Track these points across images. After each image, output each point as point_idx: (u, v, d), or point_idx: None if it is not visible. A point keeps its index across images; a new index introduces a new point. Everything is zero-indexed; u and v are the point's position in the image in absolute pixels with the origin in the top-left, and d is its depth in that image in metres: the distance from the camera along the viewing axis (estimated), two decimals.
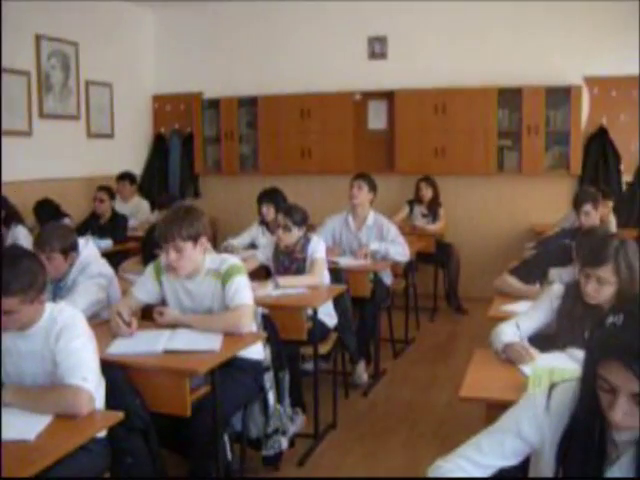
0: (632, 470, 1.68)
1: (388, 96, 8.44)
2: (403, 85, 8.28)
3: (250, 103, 8.88)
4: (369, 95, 8.56)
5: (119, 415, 2.63)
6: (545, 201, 7.85)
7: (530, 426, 1.79)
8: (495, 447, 1.82)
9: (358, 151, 8.56)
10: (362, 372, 5.49)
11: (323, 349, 4.62)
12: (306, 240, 4.81)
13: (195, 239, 3.46)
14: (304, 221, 4.84)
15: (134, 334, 3.38)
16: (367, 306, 5.44)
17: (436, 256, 7.52)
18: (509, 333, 2.99)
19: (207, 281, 3.58)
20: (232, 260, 3.64)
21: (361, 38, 8.54)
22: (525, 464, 1.89)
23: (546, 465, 1.77)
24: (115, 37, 8.46)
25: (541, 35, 7.91)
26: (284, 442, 3.83)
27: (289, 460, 4.11)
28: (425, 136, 8.20)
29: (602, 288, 2.88)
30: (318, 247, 4.76)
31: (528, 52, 7.96)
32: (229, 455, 3.71)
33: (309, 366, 4.69)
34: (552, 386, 1.84)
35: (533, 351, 2.88)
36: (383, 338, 6.01)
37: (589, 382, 1.64)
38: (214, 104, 9.01)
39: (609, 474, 1.70)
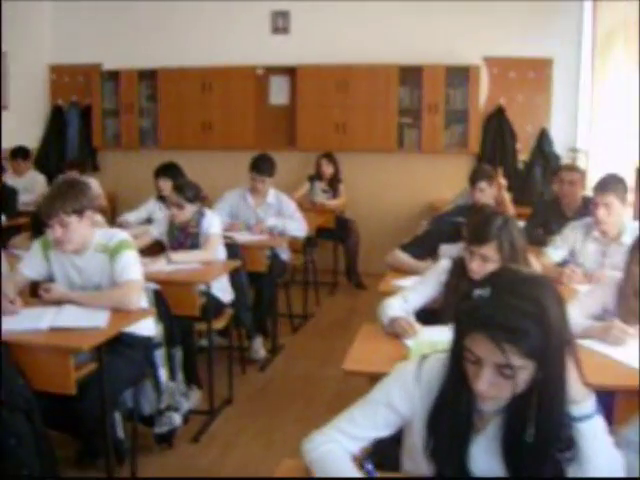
0: (497, 439, 1.73)
1: (290, 71, 8.38)
2: (305, 61, 8.23)
3: (150, 76, 8.67)
4: (271, 70, 8.49)
5: None
6: (444, 178, 7.97)
7: (401, 397, 1.81)
8: (368, 419, 1.83)
9: (260, 126, 8.49)
10: (259, 347, 5.48)
11: (218, 325, 4.59)
12: (200, 215, 4.75)
13: (80, 213, 3.36)
14: (197, 197, 4.78)
15: (18, 312, 3.27)
16: (264, 282, 5.42)
17: (336, 232, 7.56)
18: (395, 307, 3.03)
19: (96, 257, 3.49)
20: (121, 235, 3.56)
21: (264, 12, 8.44)
22: (399, 435, 1.91)
23: (417, 435, 1.80)
24: (8, 1, 8.11)
25: (443, 14, 7.99)
26: (177, 419, 3.79)
27: (183, 437, 4.07)
28: (326, 112, 8.20)
29: (485, 265, 2.93)
30: (213, 222, 4.71)
31: (430, 31, 8.04)
32: (120, 433, 3.66)
33: (205, 342, 4.66)
34: (423, 358, 1.86)
35: (416, 325, 2.92)
36: (282, 313, 6.03)
37: (456, 353, 1.67)
38: (113, 76, 8.75)
39: (475, 443, 1.74)
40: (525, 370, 1.57)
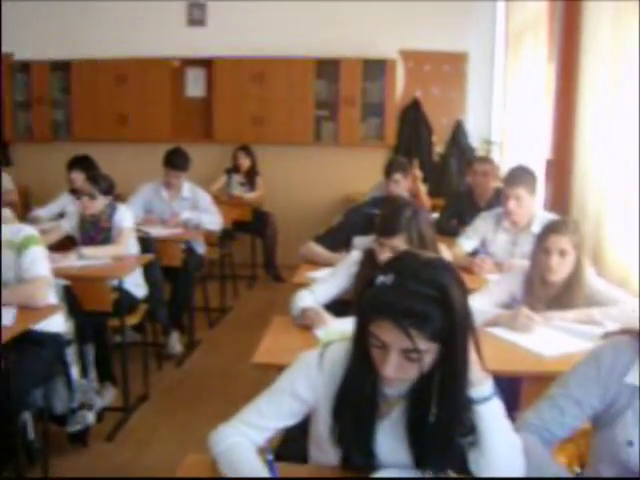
0: (402, 423, 1.75)
1: (207, 64, 8.30)
2: (222, 53, 8.16)
3: (63, 67, 8.44)
4: (188, 62, 8.38)
5: None
6: (361, 171, 8.00)
7: (304, 385, 1.81)
8: (273, 409, 1.84)
9: (176, 119, 8.39)
10: (175, 342, 5.42)
11: (132, 320, 4.53)
12: (112, 209, 4.66)
13: None
14: (110, 190, 4.68)
15: None
16: (179, 276, 5.37)
17: (254, 225, 7.54)
18: (305, 299, 3.04)
19: (3, 253, 3.39)
20: (27, 230, 3.46)
21: (180, 4, 8.32)
22: (305, 424, 1.92)
23: (323, 422, 1.81)
24: None
25: (359, 8, 8.03)
26: (90, 417, 3.71)
27: (97, 435, 3.99)
28: (243, 105, 8.17)
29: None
30: (125, 216, 4.63)
31: (347, 24, 8.06)
32: (30, 433, 3.57)
33: (120, 338, 4.58)
34: (325, 346, 1.87)
35: (325, 315, 2.93)
36: (199, 308, 5.98)
37: (361, 339, 1.68)
38: (25, 67, 8.50)
39: (380, 428, 1.77)
40: (430, 352, 1.59)
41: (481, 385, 1.68)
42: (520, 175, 4.32)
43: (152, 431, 4.19)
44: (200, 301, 6.07)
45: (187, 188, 5.81)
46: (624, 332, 1.97)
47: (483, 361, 1.72)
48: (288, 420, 1.85)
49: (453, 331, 1.58)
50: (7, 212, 4.88)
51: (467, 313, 1.64)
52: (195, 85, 8.50)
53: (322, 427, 1.81)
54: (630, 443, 1.84)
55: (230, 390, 4.77)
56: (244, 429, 1.83)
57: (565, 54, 5.14)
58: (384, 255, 2.97)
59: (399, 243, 2.95)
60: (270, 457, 1.70)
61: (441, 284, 1.58)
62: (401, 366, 1.60)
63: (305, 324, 2.92)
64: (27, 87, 8.59)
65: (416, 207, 3.15)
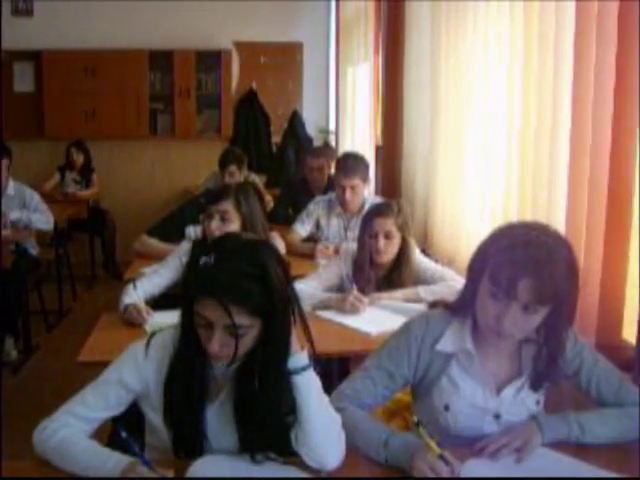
0: (229, 404, 1.80)
1: (35, 56, 7.96)
2: (51, 45, 7.85)
3: None
4: (14, 55, 7.98)
5: None
6: (198, 164, 7.92)
7: (131, 374, 1.83)
8: (99, 399, 1.84)
9: (4, 115, 7.99)
10: (10, 349, 5.18)
11: None
12: None
13: None
14: None
15: None
16: (10, 278, 5.13)
17: (90, 223, 7.36)
18: (131, 294, 3.03)
19: None
20: None
21: None
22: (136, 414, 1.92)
23: (153, 408, 1.84)
24: None
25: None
26: None
27: None
28: (75, 99, 7.90)
29: (225, 225, 3.04)
30: None
31: (179, 16, 7.97)
32: None
33: None
34: (151, 335, 1.91)
35: (146, 312, 2.94)
36: (35, 311, 5.75)
37: (187, 320, 1.72)
38: None
39: (210, 410, 1.81)
40: (252, 328, 1.66)
41: (297, 355, 1.74)
42: (354, 165, 4.38)
43: None
44: (36, 304, 5.84)
45: (12, 186, 5.54)
46: (436, 305, 2.07)
47: (311, 339, 1.80)
48: (114, 410, 1.86)
49: (273, 307, 1.65)
50: None
51: (287, 290, 1.71)
52: (23, 79, 8.12)
53: (153, 415, 1.85)
54: (446, 407, 1.95)
55: (71, 394, 4.60)
56: (70, 420, 1.82)
57: (390, 47, 5.33)
58: (213, 223, 3.03)
59: (228, 207, 3.00)
60: (124, 433, 1.67)
61: (260, 262, 1.65)
62: (226, 342, 1.65)
63: (129, 319, 2.91)
64: None
65: (247, 186, 3.20)
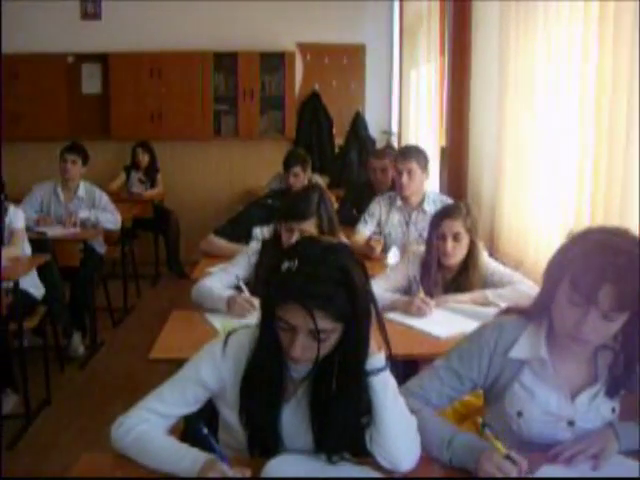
0: (305, 404, 1.81)
1: (102, 59, 8.12)
2: (118, 48, 8.00)
3: None
4: (82, 57, 8.16)
5: None
6: (261, 164, 8.00)
7: (209, 372, 1.85)
8: (176, 396, 1.86)
9: (72, 116, 8.17)
10: (78, 344, 5.31)
11: (30, 323, 4.40)
12: (3, 210, 4.52)
13: None
14: (1, 189, 4.55)
15: None
16: (79, 276, 5.25)
17: (155, 222, 7.48)
18: (221, 287, 3.07)
19: None
20: None
21: None
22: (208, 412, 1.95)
23: (230, 407, 1.86)
24: None
25: (256, 0, 8.00)
26: None
27: None
28: (141, 100, 8.04)
29: None
30: (16, 217, 4.48)
31: (244, 17, 8.04)
32: None
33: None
34: (229, 334, 1.91)
35: (254, 299, 2.93)
36: (101, 308, 5.86)
37: (268, 324, 1.73)
38: None
39: (285, 410, 1.82)
40: (334, 332, 1.67)
41: (374, 356, 1.75)
42: (411, 150, 4.50)
43: (56, 436, 4.08)
44: (102, 301, 5.95)
45: (82, 188, 5.68)
46: (509, 311, 2.05)
47: (387, 340, 1.80)
48: (191, 407, 1.88)
49: (356, 311, 1.65)
50: None
51: (368, 293, 1.72)
52: (91, 81, 8.30)
53: (229, 413, 1.87)
54: (519, 414, 1.93)
55: (136, 389, 4.63)
56: (146, 415, 1.84)
57: (457, 45, 5.27)
58: (293, 240, 3.00)
59: (309, 227, 2.99)
60: (205, 430, 1.71)
61: (343, 266, 1.65)
62: (308, 347, 1.66)
63: (233, 312, 2.92)
64: None
65: (322, 191, 3.19)
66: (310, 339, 1.66)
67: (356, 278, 1.66)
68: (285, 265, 1.66)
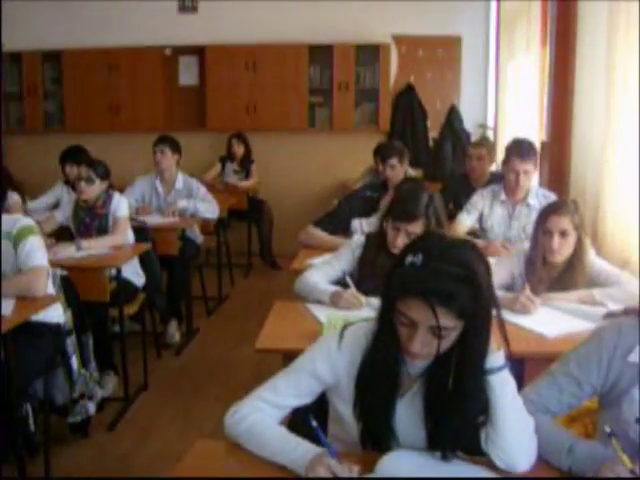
0: (420, 400, 1.80)
1: (199, 51, 8.26)
2: (214, 40, 8.12)
3: (55, 57, 8.37)
4: (179, 50, 8.32)
5: None
6: (355, 157, 7.92)
7: (324, 366, 1.86)
8: (290, 387, 1.87)
9: (169, 108, 8.36)
10: (174, 331, 5.42)
11: (131, 309, 4.51)
12: (108, 196, 4.64)
13: None
14: (107, 175, 4.67)
15: None
16: (176, 264, 5.35)
17: (249, 213, 7.54)
18: (322, 281, 3.07)
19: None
20: (24, 221, 3.42)
21: None
22: (319, 404, 1.95)
23: (343, 400, 1.86)
24: None
25: None
26: (91, 407, 3.69)
27: (98, 425, 3.99)
28: (237, 92, 8.13)
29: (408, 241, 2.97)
30: (120, 205, 4.60)
31: (339, 9, 8.03)
32: (31, 425, 3.56)
33: (118, 328, 4.56)
34: (344, 327, 1.91)
35: (361, 296, 2.93)
36: (196, 296, 5.96)
37: (387, 317, 1.72)
38: (16, 58, 8.41)
39: (401, 405, 1.81)
40: (455, 330, 1.65)
41: (493, 355, 1.72)
42: (530, 150, 4.36)
43: (152, 420, 4.18)
44: (197, 290, 6.05)
45: (180, 180, 5.78)
46: (627, 312, 1.99)
47: (507, 339, 1.76)
48: (304, 399, 1.89)
49: (478, 309, 1.63)
50: (15, 197, 4.88)
51: (491, 291, 1.69)
52: (187, 73, 8.45)
53: (342, 406, 1.87)
54: (638, 420, 1.86)
55: (229, 377, 4.77)
56: (260, 405, 1.86)
57: (561, 37, 5.13)
58: (399, 240, 2.98)
59: (417, 229, 2.97)
60: (314, 423, 1.73)
61: (468, 264, 1.63)
62: (427, 343, 1.66)
63: (337, 306, 2.91)
64: (18, 78, 8.50)
65: (430, 191, 3.16)
66: (430, 335, 1.64)
67: (480, 275, 1.63)
68: (409, 259, 1.65)
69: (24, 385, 3.27)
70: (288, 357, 2.32)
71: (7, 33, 8.27)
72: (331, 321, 2.60)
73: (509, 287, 3.22)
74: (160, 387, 4.66)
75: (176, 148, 5.75)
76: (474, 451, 1.76)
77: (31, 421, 3.54)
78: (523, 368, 2.57)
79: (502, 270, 3.24)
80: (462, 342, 1.68)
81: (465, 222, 4.50)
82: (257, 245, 7.89)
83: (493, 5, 7.94)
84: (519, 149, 4.32)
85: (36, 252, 3.33)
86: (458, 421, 1.72)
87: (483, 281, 1.64)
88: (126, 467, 3.65)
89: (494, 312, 1.71)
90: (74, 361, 3.59)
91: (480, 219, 4.51)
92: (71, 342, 3.58)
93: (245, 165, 7.71)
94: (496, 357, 1.72)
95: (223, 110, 8.16)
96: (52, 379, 3.51)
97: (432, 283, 1.60)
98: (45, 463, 3.46)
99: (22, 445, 3.26)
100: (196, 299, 5.95)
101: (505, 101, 7.28)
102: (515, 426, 1.72)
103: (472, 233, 4.47)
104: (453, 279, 1.60)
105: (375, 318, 1.78)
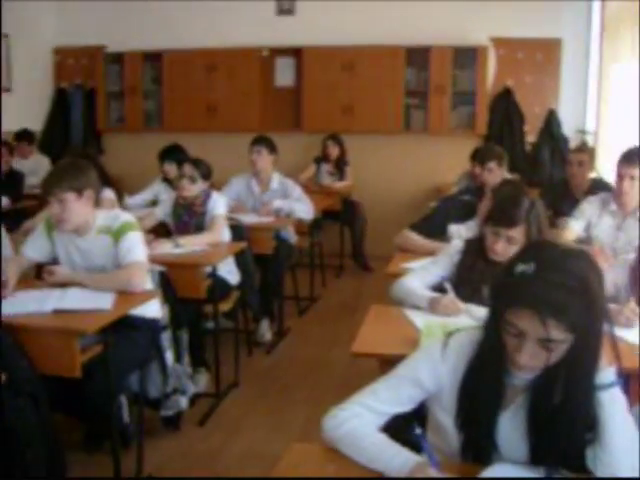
0: (523, 413, 1.74)
1: (296, 53, 8.33)
2: (311, 42, 8.17)
3: (155, 58, 8.60)
4: (277, 51, 8.42)
5: None
6: (451, 160, 7.84)
7: (427, 373, 1.83)
8: (391, 394, 1.85)
9: (265, 109, 8.44)
10: (266, 330, 5.46)
11: (225, 307, 4.55)
12: (207, 195, 4.71)
13: (79, 191, 3.30)
14: (209, 175, 4.77)
15: (13, 295, 3.20)
16: (270, 264, 5.38)
17: (342, 214, 7.53)
18: (420, 287, 3.02)
19: (99, 238, 3.43)
20: (125, 217, 3.50)
21: None
22: (419, 411, 1.92)
23: (444, 410, 1.83)
24: None
25: None
26: (183, 402, 3.75)
27: (190, 420, 4.04)
28: (333, 94, 8.14)
29: (510, 247, 2.90)
30: (218, 203, 4.67)
31: (437, 11, 7.96)
32: (126, 417, 3.64)
33: (212, 324, 4.61)
34: (448, 335, 1.88)
35: (460, 303, 2.88)
36: (288, 296, 5.99)
37: (494, 326, 1.68)
38: (118, 58, 8.68)
39: (504, 417, 1.76)
40: (565, 343, 1.59)
41: (604, 371, 1.67)
42: (636, 154, 4.18)
43: (242, 417, 4.22)
44: (290, 289, 6.08)
45: (276, 180, 5.81)
46: None
47: (619, 355, 1.72)
48: (404, 406, 1.86)
49: (590, 323, 1.58)
50: (110, 193, 5.00)
51: (604, 304, 1.64)
52: (284, 74, 8.53)
53: (443, 415, 1.84)
54: None
55: (319, 379, 4.77)
56: (360, 410, 1.84)
57: None
58: (499, 245, 2.92)
59: (517, 234, 2.89)
60: (418, 431, 1.70)
61: (582, 275, 1.57)
62: (535, 355, 1.61)
63: (435, 312, 2.87)
64: (120, 78, 8.77)
65: (532, 196, 3.08)
66: (538, 347, 1.59)
67: (594, 288, 1.57)
68: (519, 268, 1.60)
69: (121, 378, 3.34)
70: (384, 362, 2.30)
71: (110, 35, 8.55)
72: (429, 328, 2.55)
73: (612, 298, 3.10)
74: (250, 385, 4.69)
75: (272, 149, 5.79)
76: (578, 468, 1.69)
77: (125, 413, 3.64)
78: (628, 385, 2.48)
79: (606, 281, 3.12)
80: (572, 356, 1.61)
81: (574, 228, 4.36)
82: (349, 246, 7.88)
83: (596, 6, 7.71)
84: (626, 152, 4.19)
85: (136, 248, 3.40)
86: (565, 437, 1.66)
87: (597, 294, 1.58)
88: (214, 464, 3.68)
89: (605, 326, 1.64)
90: (169, 356, 3.65)
91: (588, 226, 4.38)
92: (166, 337, 3.64)
93: (340, 167, 7.72)
94: (607, 373, 1.66)
95: (319, 111, 8.20)
96: (147, 373, 3.59)
97: (544, 294, 1.54)
98: (138, 454, 3.53)
99: (116, 435, 3.32)
100: (288, 299, 5.98)
101: (607, 106, 7.07)
102: (625, 445, 1.65)
103: (578, 241, 4.34)
104: (566, 290, 1.54)
105: (481, 326, 1.75)
